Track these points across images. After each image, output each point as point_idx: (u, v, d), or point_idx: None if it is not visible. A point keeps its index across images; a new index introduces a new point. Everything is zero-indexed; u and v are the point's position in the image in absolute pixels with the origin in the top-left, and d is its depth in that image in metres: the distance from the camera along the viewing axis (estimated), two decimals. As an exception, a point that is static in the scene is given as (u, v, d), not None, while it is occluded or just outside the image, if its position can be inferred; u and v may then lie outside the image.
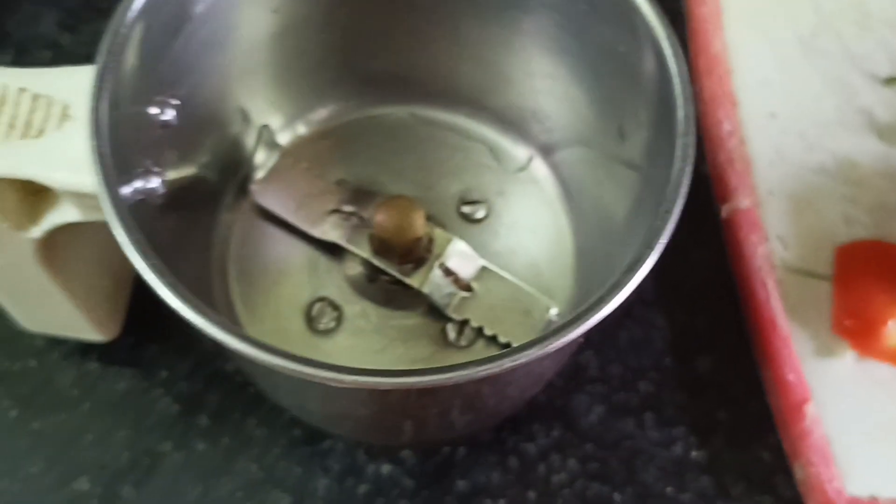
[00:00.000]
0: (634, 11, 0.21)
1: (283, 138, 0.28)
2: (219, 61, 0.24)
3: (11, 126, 0.21)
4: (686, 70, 0.20)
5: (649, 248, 0.19)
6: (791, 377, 0.28)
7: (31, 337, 0.29)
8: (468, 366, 0.18)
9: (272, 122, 0.28)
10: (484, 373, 0.18)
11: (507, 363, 0.18)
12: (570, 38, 0.24)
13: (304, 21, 0.25)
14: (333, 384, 0.18)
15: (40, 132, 0.21)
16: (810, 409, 0.27)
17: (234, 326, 0.18)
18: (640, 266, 0.19)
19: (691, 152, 0.20)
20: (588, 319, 0.18)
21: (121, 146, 0.20)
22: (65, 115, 0.21)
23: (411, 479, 0.28)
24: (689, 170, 0.20)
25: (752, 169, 0.31)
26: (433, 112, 0.29)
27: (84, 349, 0.29)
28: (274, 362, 0.18)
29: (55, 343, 0.29)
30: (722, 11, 0.33)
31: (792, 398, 0.28)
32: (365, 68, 0.28)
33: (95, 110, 0.19)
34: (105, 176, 0.19)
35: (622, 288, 0.19)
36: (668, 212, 0.19)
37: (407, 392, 0.20)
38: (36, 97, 0.21)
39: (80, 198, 0.21)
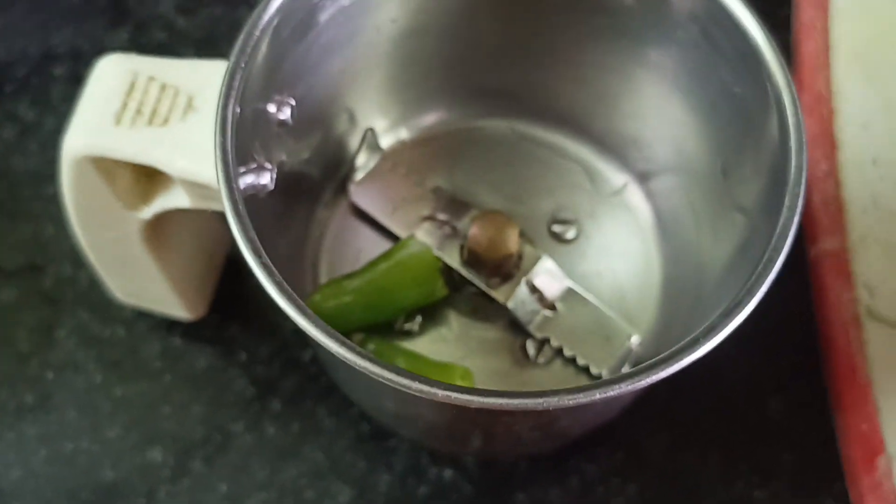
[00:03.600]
0: (758, 58, 0.21)
1: (385, 142, 0.29)
2: (335, 65, 0.25)
3: (139, 112, 0.22)
4: (802, 121, 0.20)
5: (750, 293, 0.19)
6: (865, 427, 0.28)
7: (122, 307, 0.30)
8: (559, 393, 0.18)
9: (377, 126, 0.28)
10: (573, 402, 0.18)
11: (598, 394, 0.18)
12: (685, 74, 0.24)
13: (421, 31, 0.26)
14: (423, 396, 0.19)
15: (165, 121, 0.22)
16: (882, 462, 0.27)
17: (341, 336, 0.18)
18: (739, 311, 0.19)
19: (801, 203, 0.20)
20: (682, 359, 0.18)
21: (241, 142, 0.20)
22: (189, 106, 0.22)
23: (471, 486, 0.28)
24: (797, 220, 0.19)
25: (846, 213, 0.31)
26: (533, 129, 0.29)
27: (170, 324, 0.30)
28: (374, 371, 0.18)
29: (143, 315, 0.30)
30: (830, 49, 0.33)
31: (864, 448, 0.27)
32: (473, 81, 0.28)
33: (224, 107, 0.20)
34: (226, 171, 0.20)
35: (719, 332, 0.19)
36: (773, 261, 0.19)
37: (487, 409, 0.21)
38: (164, 87, 0.22)
39: (194, 187, 0.22)
